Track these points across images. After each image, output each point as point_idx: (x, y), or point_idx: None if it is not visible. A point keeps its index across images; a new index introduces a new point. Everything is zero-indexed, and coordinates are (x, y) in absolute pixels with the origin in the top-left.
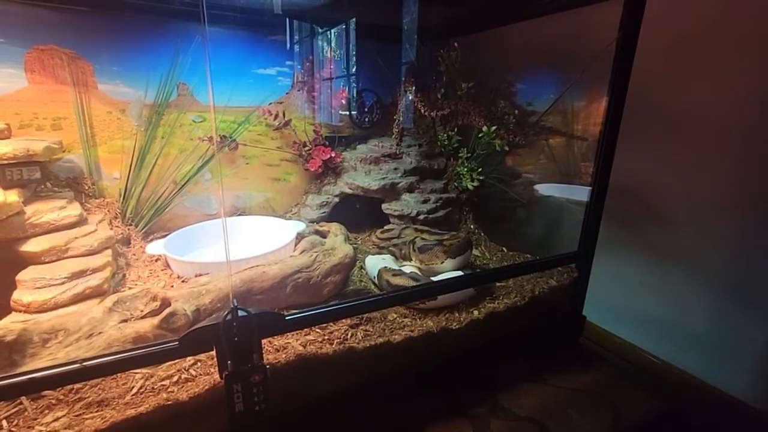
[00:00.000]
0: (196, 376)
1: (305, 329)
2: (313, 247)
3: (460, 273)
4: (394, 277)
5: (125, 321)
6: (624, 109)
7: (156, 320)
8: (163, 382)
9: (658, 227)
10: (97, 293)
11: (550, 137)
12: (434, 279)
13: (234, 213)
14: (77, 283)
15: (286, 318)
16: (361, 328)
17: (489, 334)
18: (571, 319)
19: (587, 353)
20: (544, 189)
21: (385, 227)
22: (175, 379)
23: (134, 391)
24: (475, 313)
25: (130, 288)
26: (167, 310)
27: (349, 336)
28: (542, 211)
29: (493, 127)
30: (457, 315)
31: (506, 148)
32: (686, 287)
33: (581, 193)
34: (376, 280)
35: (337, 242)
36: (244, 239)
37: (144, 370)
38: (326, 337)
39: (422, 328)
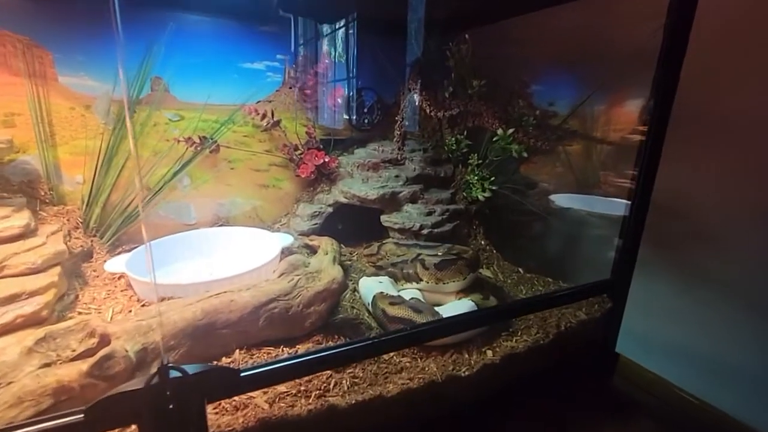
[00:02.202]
0: None
1: None
2: (294, 269)
3: (470, 303)
4: (391, 307)
5: (48, 365)
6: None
7: (86, 365)
8: None
9: (698, 247)
10: (33, 322)
11: (569, 143)
12: (439, 309)
13: (215, 223)
14: (7, 310)
15: (242, 375)
16: (347, 372)
17: (505, 380)
18: (602, 358)
19: (620, 399)
20: (561, 200)
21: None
22: None
23: None
24: (489, 353)
25: (80, 313)
26: (102, 352)
27: (331, 385)
28: (561, 226)
29: (511, 130)
30: (466, 356)
31: (524, 155)
32: (726, 315)
33: (604, 206)
34: (370, 307)
35: (324, 263)
36: (220, 255)
37: None
38: (302, 388)
39: (423, 375)
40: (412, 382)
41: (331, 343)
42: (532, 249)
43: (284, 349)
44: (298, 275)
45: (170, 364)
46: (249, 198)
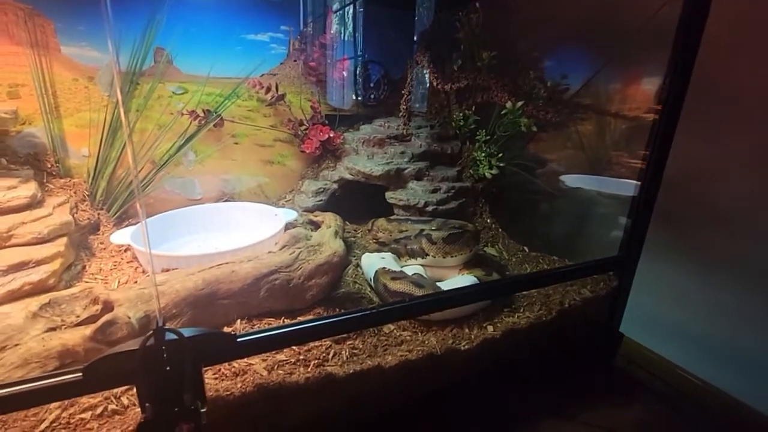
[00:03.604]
0: (128, 407)
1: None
2: (296, 242)
3: (472, 278)
4: (393, 282)
5: (53, 329)
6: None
7: (89, 330)
8: (83, 415)
9: (710, 227)
10: (40, 289)
11: (581, 119)
12: (441, 284)
13: (220, 198)
14: (14, 277)
15: (239, 340)
16: (347, 343)
17: (506, 356)
18: (606, 337)
19: (624, 379)
20: (571, 180)
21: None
22: (99, 410)
23: (43, 426)
24: (490, 329)
25: (87, 282)
26: (104, 318)
27: (330, 355)
28: (569, 206)
29: (520, 103)
30: (467, 331)
31: (534, 129)
32: (737, 297)
33: (614, 186)
34: (372, 282)
35: (326, 237)
36: (225, 230)
37: None
38: (301, 357)
39: (423, 347)
40: (411, 353)
41: None
42: (538, 228)
43: (285, 320)
44: (299, 248)
45: (166, 327)
46: (254, 174)
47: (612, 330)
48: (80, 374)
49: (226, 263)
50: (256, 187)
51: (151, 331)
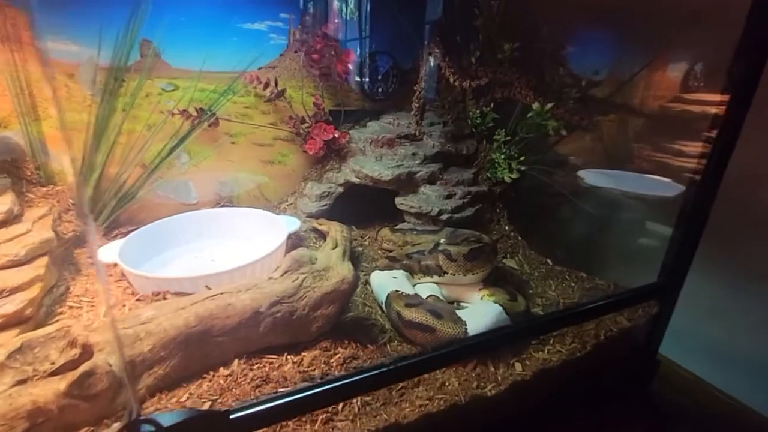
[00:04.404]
0: None
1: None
2: (299, 266)
3: (497, 308)
4: (408, 310)
5: (23, 381)
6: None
7: (64, 384)
8: None
9: (760, 238)
10: (17, 321)
11: (615, 121)
12: (461, 313)
13: (217, 203)
14: None
15: (232, 417)
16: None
17: (537, 395)
18: (643, 364)
19: (661, 408)
20: (591, 177)
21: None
22: None
23: None
24: (518, 367)
25: (71, 307)
26: (82, 369)
27: (339, 406)
28: (595, 209)
29: (549, 105)
30: (492, 370)
31: (563, 133)
32: None
33: (640, 185)
34: (384, 307)
35: (333, 259)
36: (223, 236)
37: None
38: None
39: (443, 394)
40: (431, 403)
41: (340, 350)
42: (562, 236)
43: (288, 356)
44: (303, 274)
45: (141, 417)
46: (252, 175)
47: (649, 357)
48: None
49: (222, 293)
50: (255, 189)
51: (122, 426)
